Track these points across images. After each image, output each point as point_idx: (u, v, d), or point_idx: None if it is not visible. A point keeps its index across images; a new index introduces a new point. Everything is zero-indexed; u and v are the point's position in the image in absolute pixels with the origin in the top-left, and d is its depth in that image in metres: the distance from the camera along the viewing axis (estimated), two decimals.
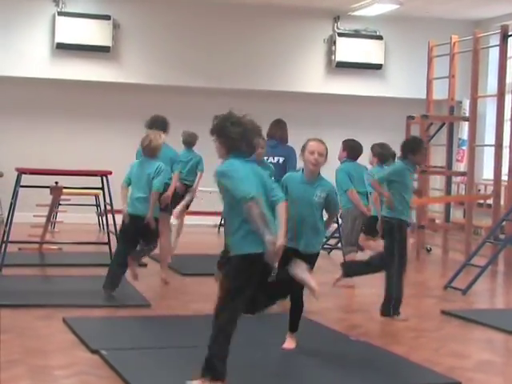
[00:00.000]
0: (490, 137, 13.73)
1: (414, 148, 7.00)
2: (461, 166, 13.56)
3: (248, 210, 4.42)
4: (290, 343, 5.66)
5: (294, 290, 5.28)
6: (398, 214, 6.91)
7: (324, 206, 5.52)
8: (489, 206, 11.81)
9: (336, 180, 8.30)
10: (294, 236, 5.37)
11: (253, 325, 6.03)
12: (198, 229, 12.80)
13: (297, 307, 5.65)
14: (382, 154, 8.62)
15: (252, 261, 4.50)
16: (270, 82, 14.17)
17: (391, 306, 6.92)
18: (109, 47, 13.36)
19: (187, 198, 9.56)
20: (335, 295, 7.93)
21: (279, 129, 8.15)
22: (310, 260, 5.32)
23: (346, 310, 7.48)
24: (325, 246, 10.49)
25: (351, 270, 7.39)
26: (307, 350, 5.60)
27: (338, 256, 9.90)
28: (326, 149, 5.48)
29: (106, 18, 13.33)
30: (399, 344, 6.03)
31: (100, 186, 8.99)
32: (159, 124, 8.35)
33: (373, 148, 8.80)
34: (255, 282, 4.54)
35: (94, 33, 13.27)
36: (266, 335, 6.06)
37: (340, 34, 14.30)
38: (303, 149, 5.51)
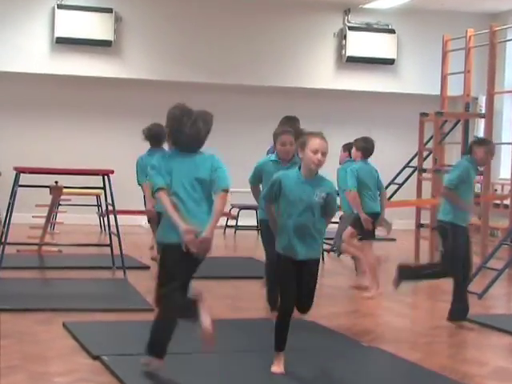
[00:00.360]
0: (507, 134, 13.68)
1: (481, 144, 6.80)
2: None
3: (158, 201, 4.85)
4: (279, 365, 5.15)
5: (287, 303, 5.10)
6: (452, 218, 6.63)
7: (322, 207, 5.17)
8: (506, 206, 11.78)
9: (338, 179, 8.27)
10: (292, 243, 5.07)
11: (257, 329, 6.04)
12: None
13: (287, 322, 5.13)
14: (367, 148, 8.49)
15: (170, 250, 4.82)
16: (278, 78, 14.16)
17: (459, 311, 6.81)
18: (110, 41, 13.37)
19: None
20: (344, 299, 7.92)
21: (290, 126, 8.16)
22: (312, 267, 5.18)
23: (356, 314, 7.47)
24: (334, 249, 10.48)
25: (406, 273, 7.05)
26: (317, 356, 5.59)
27: (347, 259, 9.89)
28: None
29: (108, 10, 13.34)
30: (413, 350, 6.01)
31: (101, 185, 9.00)
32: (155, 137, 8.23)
33: (356, 142, 8.60)
34: (182, 271, 4.85)
35: (95, 26, 13.28)
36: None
37: (351, 28, 14.29)
38: (302, 145, 5.09)
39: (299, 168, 5.16)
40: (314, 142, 5.06)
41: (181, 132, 4.87)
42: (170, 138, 4.98)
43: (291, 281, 5.09)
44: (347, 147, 8.91)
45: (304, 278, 5.13)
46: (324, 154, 5.08)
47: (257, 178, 6.67)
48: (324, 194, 5.13)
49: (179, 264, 4.80)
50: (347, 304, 7.76)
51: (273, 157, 6.67)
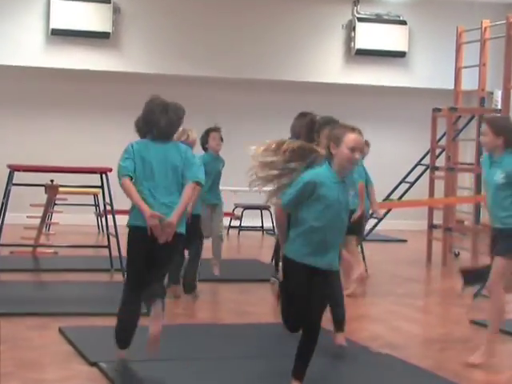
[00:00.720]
0: None
1: None
2: None
3: (122, 186, 5.16)
4: None
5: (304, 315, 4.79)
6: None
7: None
8: None
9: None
10: (319, 250, 4.74)
11: (263, 335, 6.05)
12: None
13: (309, 341, 4.88)
14: None
15: (134, 232, 5.20)
16: (284, 72, 14.15)
17: None
18: (108, 33, 13.38)
19: None
20: (351, 303, 7.93)
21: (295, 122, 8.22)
22: (334, 278, 4.97)
23: (364, 319, 7.48)
24: None
25: (470, 277, 6.66)
26: (324, 363, 5.59)
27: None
28: None
29: (106, 1, 13.35)
30: (425, 357, 6.01)
31: (99, 184, 9.01)
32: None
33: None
34: (141, 253, 5.18)
35: (93, 18, 13.29)
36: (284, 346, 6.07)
37: (360, 19, 14.28)
38: (337, 140, 4.74)
39: (329, 164, 4.77)
40: (352, 139, 4.73)
41: (155, 122, 5.30)
42: (144, 128, 5.38)
43: (305, 292, 4.74)
44: None
45: (323, 291, 4.82)
46: (361, 151, 4.90)
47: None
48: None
49: (141, 245, 5.19)
50: (355, 308, 7.76)
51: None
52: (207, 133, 8.33)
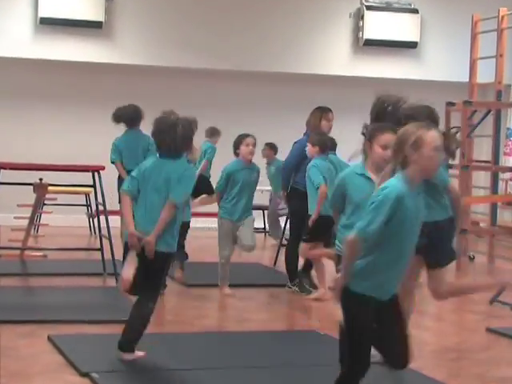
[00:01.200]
0: None
1: None
2: (509, 161, 13.50)
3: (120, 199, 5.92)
4: None
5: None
6: None
7: None
8: None
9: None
10: (391, 277, 4.30)
11: (265, 343, 6.04)
12: (203, 233, 12.78)
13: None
14: (325, 141, 8.48)
15: (127, 247, 5.72)
16: (287, 64, 14.14)
17: None
18: (101, 23, 13.36)
19: None
20: None
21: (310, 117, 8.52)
22: (398, 305, 4.47)
23: None
24: None
25: None
26: (331, 373, 5.58)
27: None
28: None
29: None
30: (438, 367, 6.00)
31: (91, 183, 9.00)
32: (128, 118, 9.79)
33: (311, 137, 8.50)
34: (140, 264, 5.64)
35: (84, 6, 13.27)
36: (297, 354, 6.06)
37: (368, 8, 14.27)
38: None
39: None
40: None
41: (160, 139, 5.76)
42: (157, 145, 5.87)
43: (371, 331, 4.35)
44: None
45: (393, 322, 4.45)
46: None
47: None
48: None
49: (140, 256, 5.67)
50: None
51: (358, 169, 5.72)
52: (240, 138, 8.33)
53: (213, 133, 12.69)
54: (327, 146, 8.30)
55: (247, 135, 8.32)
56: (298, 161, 8.55)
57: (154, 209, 5.64)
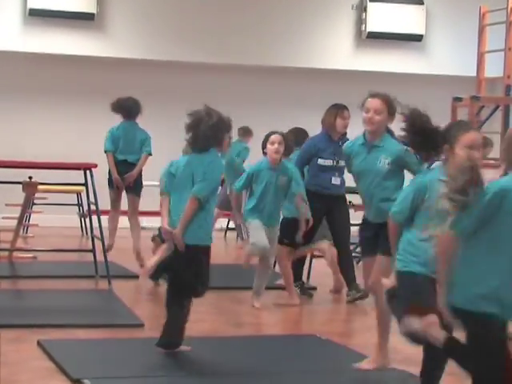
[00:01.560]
0: None
1: None
2: None
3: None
4: None
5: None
6: None
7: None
8: None
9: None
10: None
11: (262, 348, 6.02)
12: None
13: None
14: (298, 142, 8.50)
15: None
16: (288, 58, 14.15)
17: None
18: (93, 14, 13.37)
19: None
20: (361, 313, 7.90)
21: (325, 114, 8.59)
22: None
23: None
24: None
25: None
26: (333, 380, 5.56)
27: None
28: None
29: None
30: (447, 374, 5.96)
31: (83, 181, 8.99)
32: (128, 109, 9.59)
33: (286, 136, 8.35)
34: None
35: None
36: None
37: None
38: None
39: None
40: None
41: (191, 132, 5.96)
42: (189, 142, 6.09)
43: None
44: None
45: None
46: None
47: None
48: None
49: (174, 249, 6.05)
50: (368, 318, 7.71)
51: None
52: (267, 136, 7.93)
53: (245, 132, 12.94)
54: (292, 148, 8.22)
55: (273, 132, 7.91)
56: (305, 163, 8.54)
57: (183, 203, 5.90)
